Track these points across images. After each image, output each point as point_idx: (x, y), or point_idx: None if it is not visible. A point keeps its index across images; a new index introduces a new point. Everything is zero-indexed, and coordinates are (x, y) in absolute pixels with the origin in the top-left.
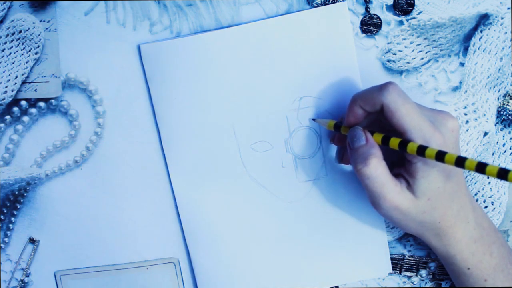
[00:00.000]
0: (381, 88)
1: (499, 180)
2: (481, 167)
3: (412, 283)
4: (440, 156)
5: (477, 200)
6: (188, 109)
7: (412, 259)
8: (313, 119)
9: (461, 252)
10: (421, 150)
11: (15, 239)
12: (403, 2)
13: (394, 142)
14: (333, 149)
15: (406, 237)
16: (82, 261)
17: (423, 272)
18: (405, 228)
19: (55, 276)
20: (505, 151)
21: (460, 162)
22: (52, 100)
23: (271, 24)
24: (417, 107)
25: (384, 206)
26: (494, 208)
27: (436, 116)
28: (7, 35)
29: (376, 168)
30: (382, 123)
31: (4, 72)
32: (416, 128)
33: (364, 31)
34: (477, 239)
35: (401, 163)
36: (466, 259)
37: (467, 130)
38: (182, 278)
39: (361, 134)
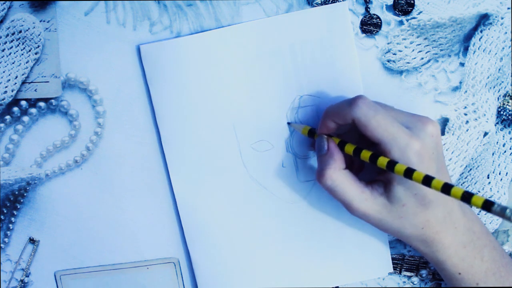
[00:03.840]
0: (351, 103)
1: (499, 180)
2: (446, 189)
3: (412, 283)
4: (408, 173)
5: None
6: (188, 108)
7: (412, 259)
8: (288, 123)
9: (451, 258)
10: (391, 165)
11: (15, 239)
12: (403, 2)
13: (365, 155)
14: None
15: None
16: (82, 261)
17: (423, 272)
18: (388, 233)
19: (55, 276)
20: (505, 151)
21: (427, 181)
22: (52, 100)
23: (271, 23)
24: (390, 117)
25: (353, 213)
26: None
27: (414, 122)
28: (7, 35)
29: (333, 179)
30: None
31: (4, 72)
32: (390, 138)
33: (364, 31)
34: (467, 244)
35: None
36: (456, 265)
37: (467, 130)
38: (182, 278)
39: (324, 143)
